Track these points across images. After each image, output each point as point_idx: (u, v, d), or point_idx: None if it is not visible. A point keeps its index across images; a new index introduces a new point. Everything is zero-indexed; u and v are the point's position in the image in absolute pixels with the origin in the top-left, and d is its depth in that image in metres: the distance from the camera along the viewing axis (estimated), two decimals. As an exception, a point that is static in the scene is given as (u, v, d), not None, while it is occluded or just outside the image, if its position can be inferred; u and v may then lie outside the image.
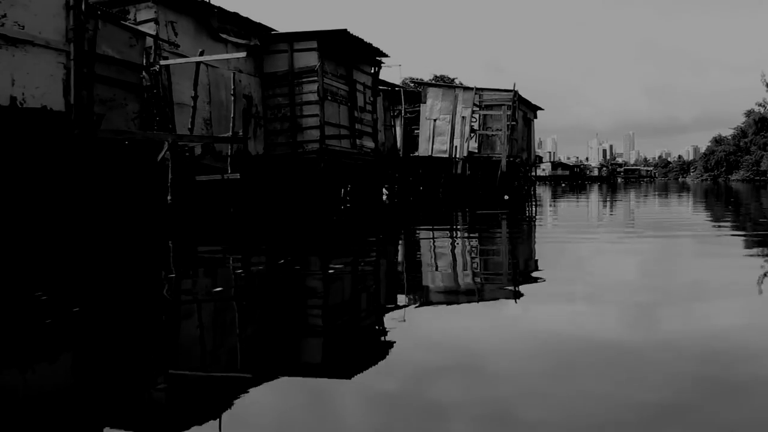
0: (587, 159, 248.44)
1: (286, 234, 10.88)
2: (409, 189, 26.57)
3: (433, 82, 31.54)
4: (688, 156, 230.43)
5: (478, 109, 27.20)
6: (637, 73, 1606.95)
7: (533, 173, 37.92)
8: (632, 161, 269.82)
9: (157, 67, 12.91)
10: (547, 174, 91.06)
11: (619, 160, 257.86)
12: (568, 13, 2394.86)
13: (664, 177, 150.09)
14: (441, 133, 27.76)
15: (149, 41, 13.04)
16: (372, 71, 20.42)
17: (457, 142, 27.20)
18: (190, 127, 12.81)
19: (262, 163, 16.41)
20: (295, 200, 16.29)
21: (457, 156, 26.80)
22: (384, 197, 25.39)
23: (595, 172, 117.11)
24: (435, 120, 27.84)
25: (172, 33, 14.01)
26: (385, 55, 19.77)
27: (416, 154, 28.17)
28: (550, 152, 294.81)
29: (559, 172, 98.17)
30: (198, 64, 13.02)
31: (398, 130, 28.38)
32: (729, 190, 42.84)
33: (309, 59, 16.80)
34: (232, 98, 14.00)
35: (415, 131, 28.87)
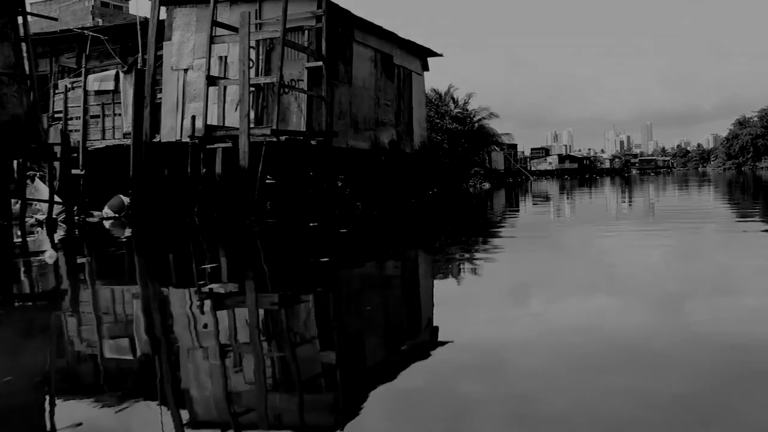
0: (602, 151, 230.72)
1: None
2: (154, 201, 13.42)
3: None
4: (708, 144, 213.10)
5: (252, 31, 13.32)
6: (655, 62, 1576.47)
7: (490, 164, 24.73)
8: (650, 152, 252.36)
9: None
10: (554, 167, 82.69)
11: (636, 150, 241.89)
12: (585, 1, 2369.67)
13: (682, 167, 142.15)
14: (196, 95, 14.17)
15: None
16: None
17: (211, 110, 13.39)
18: None
19: None
20: None
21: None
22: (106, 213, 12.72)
23: (607, 164, 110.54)
24: (186, 70, 14.26)
25: None
26: None
27: (158, 138, 14.58)
28: (565, 145, 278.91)
29: (567, 165, 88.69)
30: None
31: (129, 93, 14.80)
32: (759, 181, 31.00)
33: None
34: None
35: (159, 96, 15.18)
